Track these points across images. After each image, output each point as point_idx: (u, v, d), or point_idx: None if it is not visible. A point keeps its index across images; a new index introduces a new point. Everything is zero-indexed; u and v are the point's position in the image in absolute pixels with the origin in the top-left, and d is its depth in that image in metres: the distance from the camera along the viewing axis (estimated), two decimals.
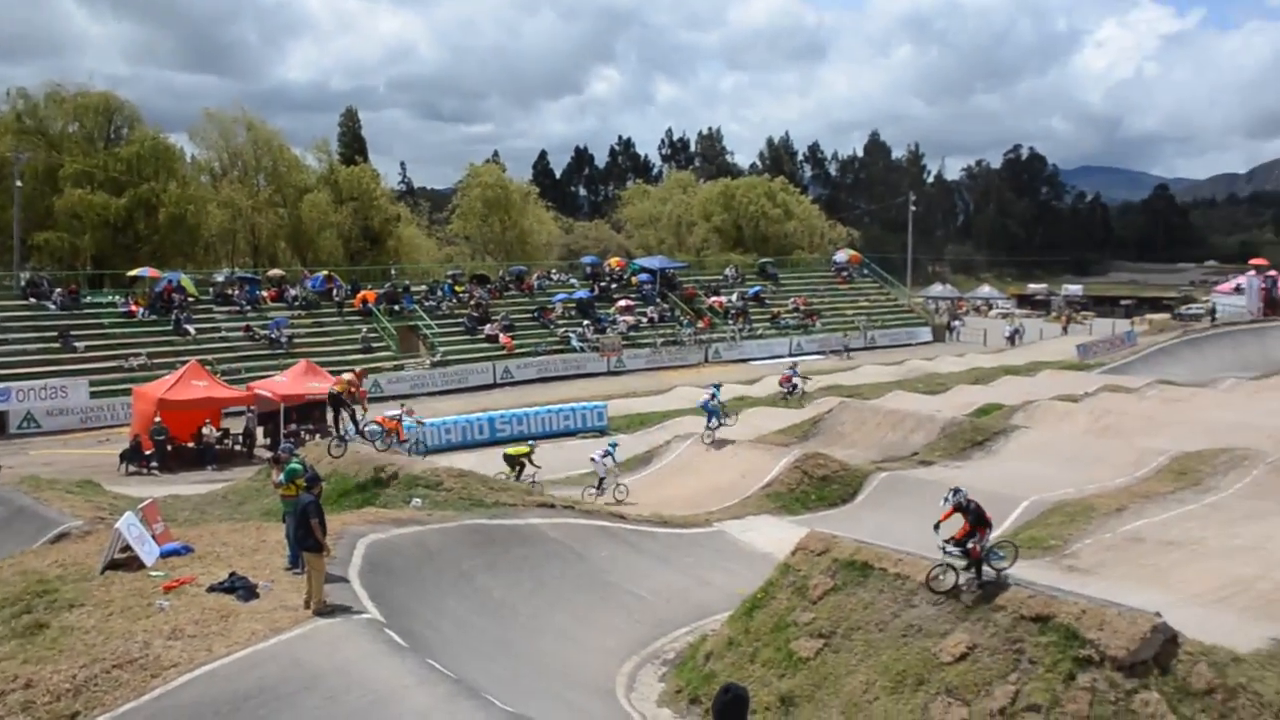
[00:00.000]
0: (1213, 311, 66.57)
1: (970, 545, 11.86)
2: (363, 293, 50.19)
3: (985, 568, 11.92)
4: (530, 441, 26.66)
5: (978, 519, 11.98)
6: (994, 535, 18.98)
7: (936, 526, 12.45)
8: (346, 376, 22.43)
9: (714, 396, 29.95)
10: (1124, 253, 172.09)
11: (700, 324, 57.39)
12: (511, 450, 25.01)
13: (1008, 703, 10.38)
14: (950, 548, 11.95)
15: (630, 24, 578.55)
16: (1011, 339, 63.23)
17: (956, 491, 12.37)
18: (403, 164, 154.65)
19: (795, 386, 38.89)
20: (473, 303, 52.61)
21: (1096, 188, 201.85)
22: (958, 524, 12.20)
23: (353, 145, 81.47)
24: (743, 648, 13.08)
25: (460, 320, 51.00)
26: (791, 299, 64.53)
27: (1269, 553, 17.38)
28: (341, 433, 22.17)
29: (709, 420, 29.27)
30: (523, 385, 46.04)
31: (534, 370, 48.03)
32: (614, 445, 26.42)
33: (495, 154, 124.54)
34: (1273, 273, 65.50)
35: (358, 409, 22.32)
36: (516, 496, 19.53)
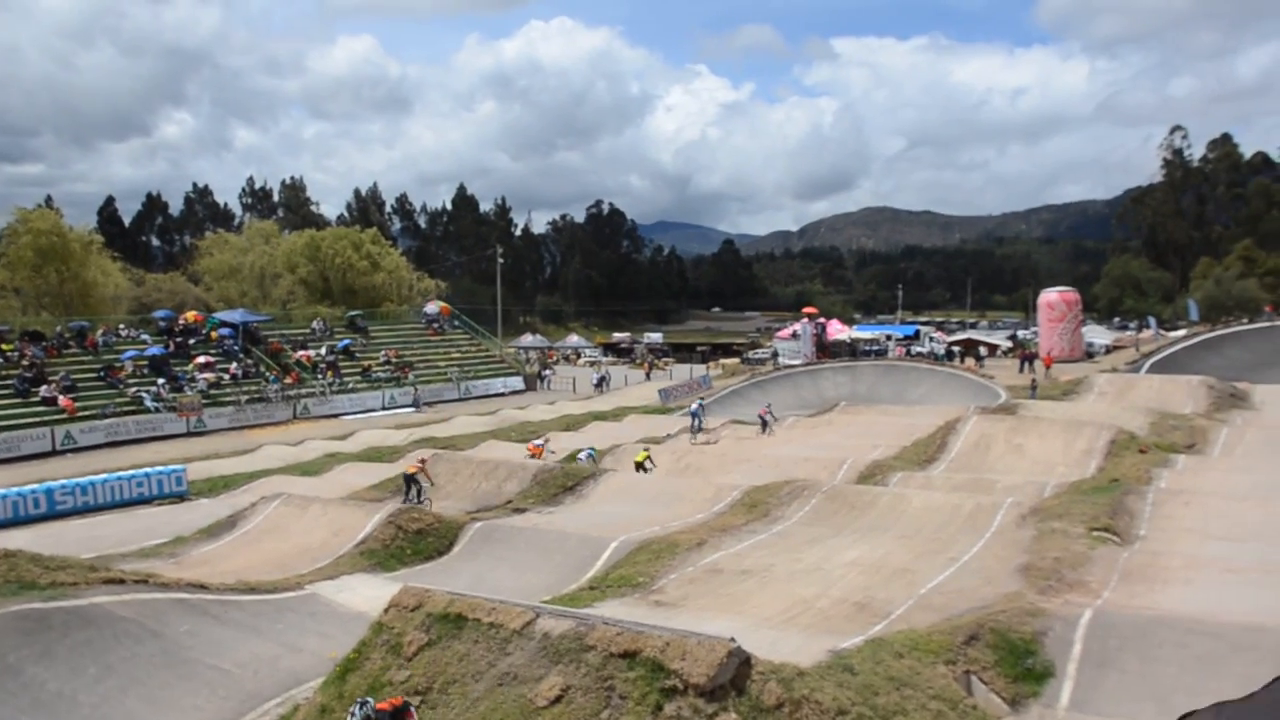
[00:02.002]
0: (775, 355, 72.85)
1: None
2: None
3: None
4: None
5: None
6: (586, 577, 19.72)
7: None
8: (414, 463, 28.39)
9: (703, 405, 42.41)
10: (698, 302, 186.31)
11: (288, 379, 55.04)
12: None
13: None
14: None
15: (201, 66, 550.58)
16: (599, 385, 65.81)
17: (364, 704, 11.01)
18: None
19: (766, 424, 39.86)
20: (25, 362, 47.37)
21: (672, 242, 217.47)
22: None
23: None
24: (336, 714, 12.51)
25: (10, 382, 45.70)
26: (383, 351, 63.61)
27: (826, 573, 19.09)
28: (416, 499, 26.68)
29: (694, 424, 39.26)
30: (89, 451, 42.06)
31: (102, 434, 44.00)
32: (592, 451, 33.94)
33: (49, 198, 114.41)
34: (822, 320, 73.29)
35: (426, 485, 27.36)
36: (78, 574, 17.63)
